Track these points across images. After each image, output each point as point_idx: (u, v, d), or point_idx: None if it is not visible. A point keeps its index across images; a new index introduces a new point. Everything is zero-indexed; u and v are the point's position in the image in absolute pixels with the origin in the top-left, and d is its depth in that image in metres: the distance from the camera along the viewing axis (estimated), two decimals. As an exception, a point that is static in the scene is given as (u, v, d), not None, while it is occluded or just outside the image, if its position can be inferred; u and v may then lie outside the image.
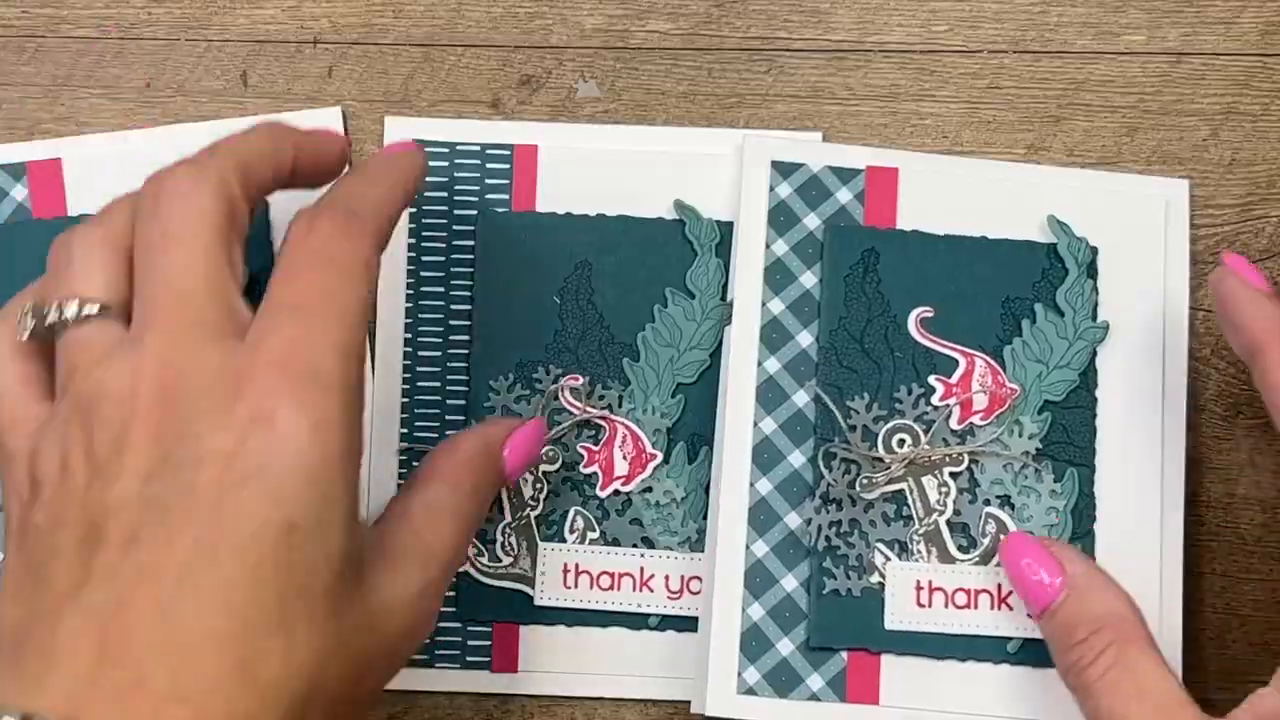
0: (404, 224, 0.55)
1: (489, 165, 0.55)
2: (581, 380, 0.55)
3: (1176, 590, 0.54)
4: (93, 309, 0.43)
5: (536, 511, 0.55)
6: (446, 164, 0.55)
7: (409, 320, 0.55)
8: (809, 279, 0.54)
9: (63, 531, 0.40)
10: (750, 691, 0.53)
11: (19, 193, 0.55)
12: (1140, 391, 0.54)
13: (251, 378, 0.40)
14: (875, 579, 0.53)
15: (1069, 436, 0.54)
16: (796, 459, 0.53)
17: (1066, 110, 0.56)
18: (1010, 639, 0.53)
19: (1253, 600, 0.56)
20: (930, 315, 0.54)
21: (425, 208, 0.55)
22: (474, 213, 0.55)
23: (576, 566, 0.55)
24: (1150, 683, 0.47)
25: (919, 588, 0.53)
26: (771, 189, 0.54)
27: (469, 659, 0.55)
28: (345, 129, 0.55)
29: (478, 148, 0.55)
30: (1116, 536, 0.54)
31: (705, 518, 0.54)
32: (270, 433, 0.40)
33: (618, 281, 0.55)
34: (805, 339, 0.54)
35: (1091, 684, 0.48)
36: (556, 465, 0.55)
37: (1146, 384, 0.54)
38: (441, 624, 0.54)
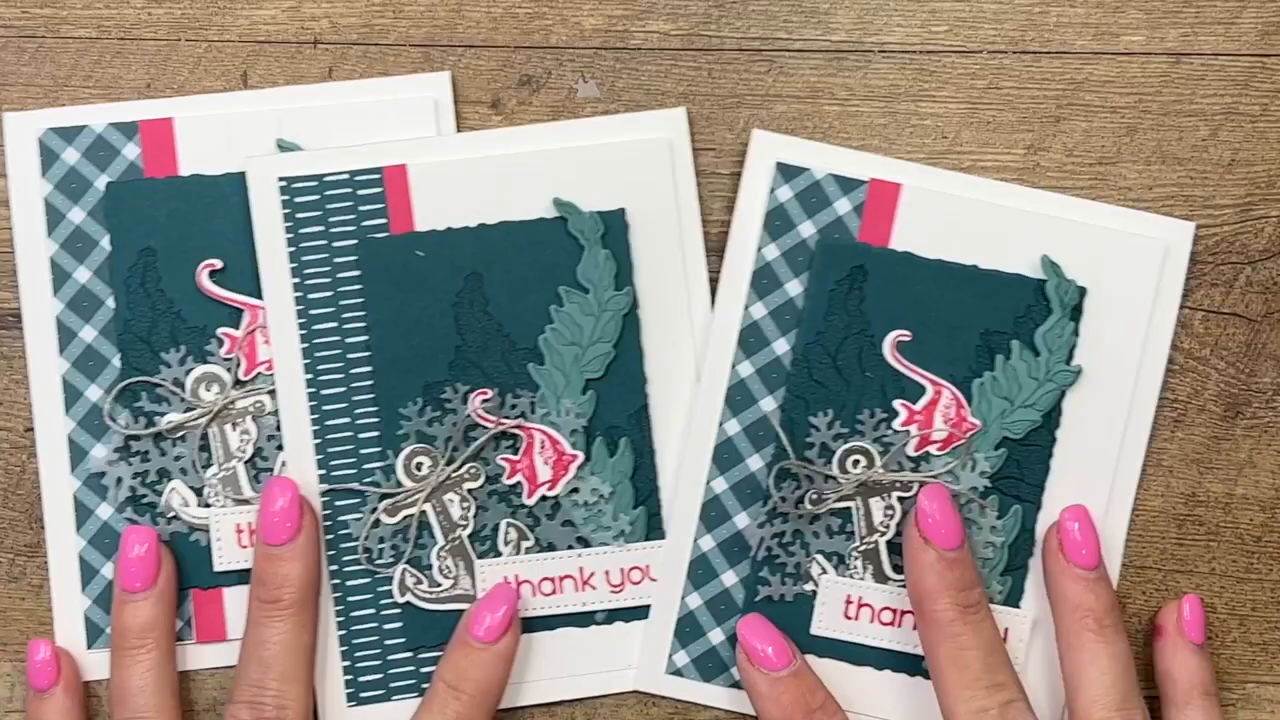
0: (285, 264, 0.54)
1: (360, 191, 0.54)
2: (491, 393, 0.54)
3: None
4: None
5: (468, 530, 0.55)
6: (317, 197, 0.54)
7: (307, 361, 0.54)
8: (795, 287, 0.54)
9: None
10: (678, 673, 0.54)
11: (130, 151, 0.55)
12: (1102, 435, 0.55)
13: None
14: (809, 587, 0.54)
15: (1021, 473, 0.54)
16: (755, 463, 0.54)
17: (1066, 110, 0.56)
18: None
19: (1252, 600, 0.56)
20: (907, 340, 0.54)
21: (303, 245, 0.54)
22: (354, 242, 0.54)
23: (517, 577, 0.55)
24: None
25: (849, 601, 0.54)
26: (772, 191, 0.54)
27: (426, 686, 0.54)
28: (455, 101, 0.55)
29: (345, 175, 0.54)
30: None
31: (635, 509, 0.55)
32: None
33: (510, 288, 0.54)
34: (781, 346, 0.54)
35: None
36: (480, 481, 0.55)
37: (1111, 428, 0.55)
38: (392, 657, 0.54)
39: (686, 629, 0.55)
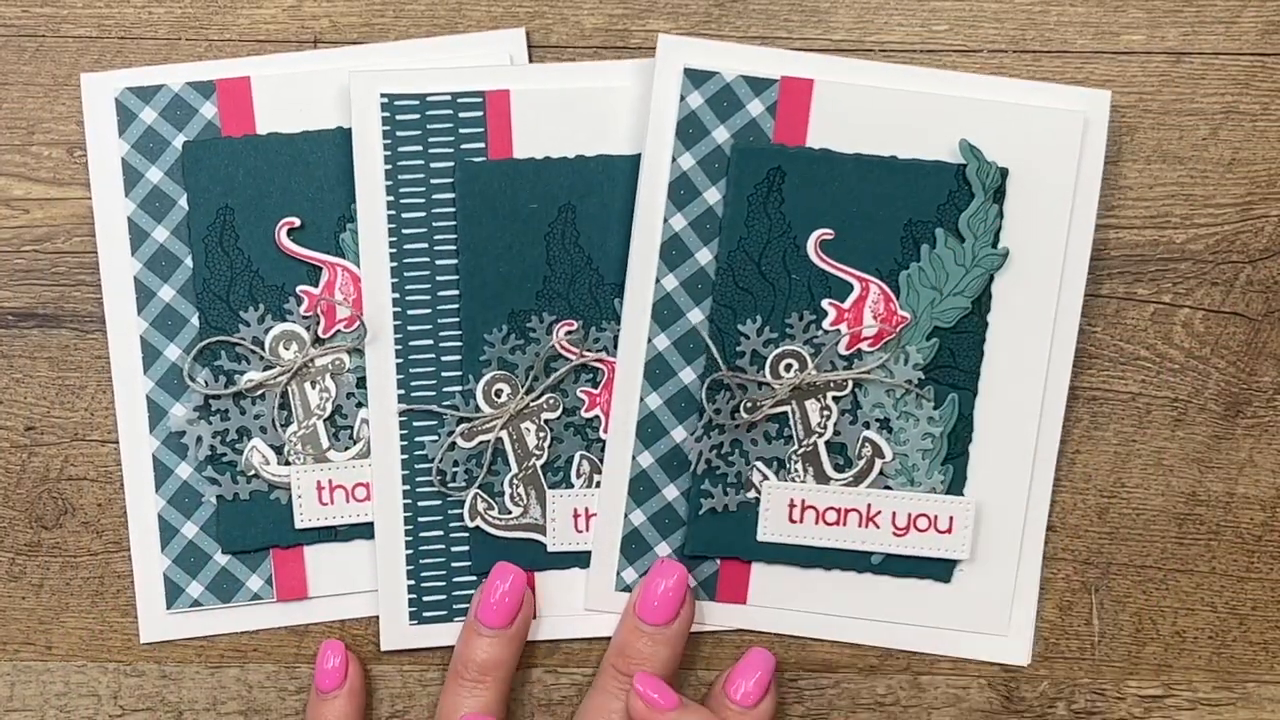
0: (381, 182, 0.54)
1: (461, 114, 0.54)
2: (576, 325, 0.55)
3: (1042, 516, 0.55)
4: None
5: (542, 460, 0.55)
6: (418, 116, 0.54)
7: (395, 280, 0.55)
8: (713, 195, 0.54)
9: None
10: (627, 589, 0.55)
11: (208, 110, 0.55)
12: (1033, 316, 0.54)
13: None
14: (751, 495, 0.55)
15: (954, 361, 0.54)
16: (687, 375, 0.54)
17: (1066, 110, 0.56)
18: (874, 553, 0.54)
19: (1252, 600, 0.56)
20: (830, 238, 0.54)
21: (400, 163, 0.54)
22: (451, 164, 0.54)
23: (586, 511, 0.55)
24: None
25: (792, 505, 0.55)
26: (682, 98, 0.54)
27: None
28: (529, 51, 0.55)
29: (448, 97, 0.54)
30: (990, 459, 0.55)
31: None
32: None
33: (602, 222, 0.54)
34: (704, 256, 0.54)
35: None
36: (558, 412, 0.55)
37: (1041, 308, 0.54)
38: (457, 579, 0.55)
39: (633, 546, 0.55)
